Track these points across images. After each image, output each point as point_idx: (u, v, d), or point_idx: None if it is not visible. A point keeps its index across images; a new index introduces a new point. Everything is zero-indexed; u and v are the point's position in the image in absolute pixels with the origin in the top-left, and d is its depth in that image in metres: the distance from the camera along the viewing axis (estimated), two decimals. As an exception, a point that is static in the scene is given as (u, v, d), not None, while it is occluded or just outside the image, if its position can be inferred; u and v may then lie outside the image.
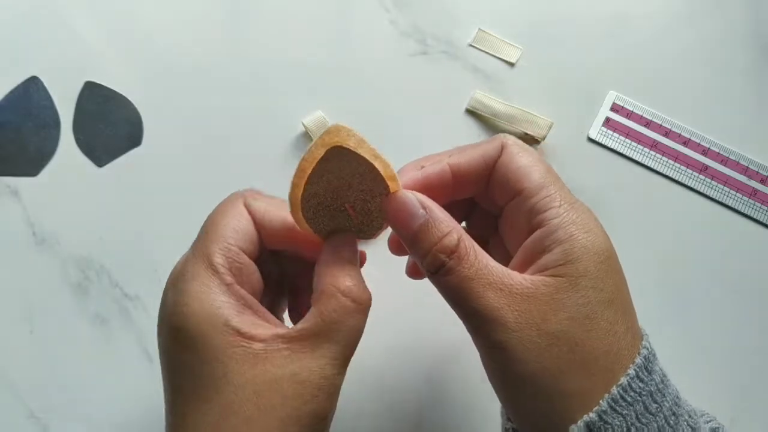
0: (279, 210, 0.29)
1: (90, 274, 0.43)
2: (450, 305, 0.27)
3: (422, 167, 0.29)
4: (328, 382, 0.26)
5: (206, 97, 0.45)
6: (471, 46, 0.47)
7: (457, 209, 0.31)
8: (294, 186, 0.28)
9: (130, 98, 0.45)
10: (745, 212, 0.44)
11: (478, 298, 0.25)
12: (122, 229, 0.43)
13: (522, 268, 0.27)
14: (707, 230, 0.44)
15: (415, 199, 0.27)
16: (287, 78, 0.46)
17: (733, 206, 0.44)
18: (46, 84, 0.45)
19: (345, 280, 0.27)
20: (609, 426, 0.24)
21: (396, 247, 0.33)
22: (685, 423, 0.25)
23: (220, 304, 0.26)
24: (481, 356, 0.27)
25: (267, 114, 0.45)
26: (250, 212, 0.29)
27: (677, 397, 0.26)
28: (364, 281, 0.28)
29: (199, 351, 0.25)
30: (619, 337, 0.25)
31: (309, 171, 0.27)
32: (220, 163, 0.44)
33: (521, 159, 0.28)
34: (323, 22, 0.47)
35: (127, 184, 0.44)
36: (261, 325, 0.26)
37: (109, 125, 0.45)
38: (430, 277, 0.27)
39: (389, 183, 0.28)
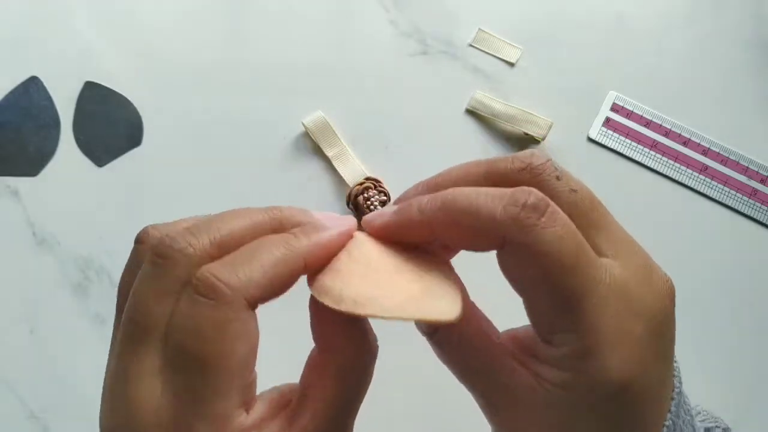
0: (277, 253, 0.20)
1: (90, 274, 0.43)
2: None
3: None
4: None
5: (206, 97, 0.45)
6: (471, 46, 0.47)
7: None
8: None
9: (130, 98, 0.45)
10: (745, 212, 0.44)
11: (471, 379, 0.22)
12: (122, 229, 0.43)
13: (524, 348, 0.22)
14: (707, 230, 0.44)
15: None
16: (287, 78, 0.46)
17: (733, 206, 0.44)
18: (46, 84, 0.45)
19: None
20: None
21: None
22: None
23: None
24: None
25: (267, 114, 0.45)
26: (253, 303, 0.19)
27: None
28: None
29: None
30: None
31: None
32: (220, 163, 0.44)
33: (529, 269, 0.20)
34: (323, 23, 0.47)
35: (127, 184, 0.44)
36: None
37: (109, 125, 0.45)
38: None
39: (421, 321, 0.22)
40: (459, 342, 0.21)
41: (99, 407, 0.23)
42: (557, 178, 0.21)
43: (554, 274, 0.19)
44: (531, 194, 0.20)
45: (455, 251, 0.25)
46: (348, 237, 0.22)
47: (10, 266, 0.43)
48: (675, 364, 0.22)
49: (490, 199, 0.20)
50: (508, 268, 0.21)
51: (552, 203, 0.20)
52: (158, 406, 0.19)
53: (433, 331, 0.22)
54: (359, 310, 0.19)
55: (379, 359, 0.22)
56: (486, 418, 0.22)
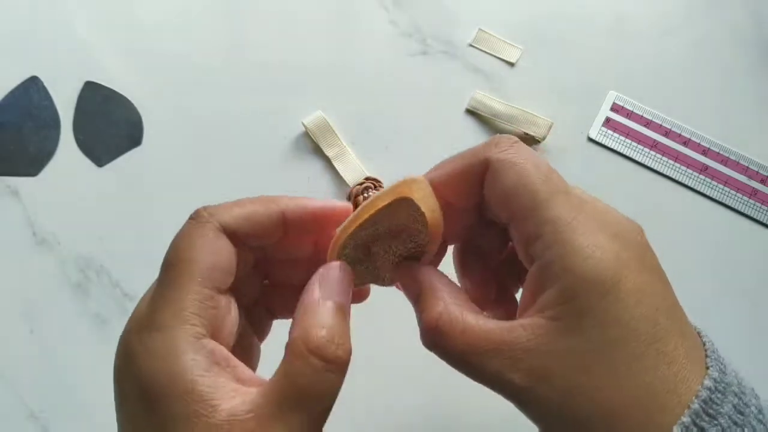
0: (259, 207, 0.26)
1: (90, 274, 0.43)
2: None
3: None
4: None
5: (206, 97, 0.45)
6: (471, 46, 0.47)
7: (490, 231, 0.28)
8: (344, 228, 0.26)
9: (130, 98, 0.45)
10: (745, 212, 0.44)
11: (480, 368, 0.23)
12: (122, 229, 0.43)
13: (525, 311, 0.24)
14: (707, 230, 0.44)
15: (409, 274, 0.26)
16: (287, 78, 0.46)
17: (733, 206, 0.44)
18: (46, 84, 0.45)
19: (317, 333, 0.23)
20: None
21: None
22: None
23: (188, 364, 0.23)
24: None
25: (267, 114, 0.45)
26: (231, 230, 0.25)
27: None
28: (345, 329, 0.24)
29: (158, 418, 0.22)
30: (650, 373, 0.21)
31: (366, 216, 0.25)
32: (220, 163, 0.44)
33: (507, 178, 0.23)
34: (323, 23, 0.47)
35: (127, 184, 0.44)
36: (229, 390, 0.23)
37: (109, 125, 0.45)
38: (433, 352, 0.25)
39: (431, 237, 0.26)
40: (461, 350, 0.23)
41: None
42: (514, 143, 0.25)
43: (531, 179, 0.23)
44: (502, 135, 0.24)
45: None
46: (332, 210, 0.26)
47: (10, 266, 0.43)
48: (705, 339, 0.23)
49: (469, 150, 0.25)
50: (492, 190, 0.24)
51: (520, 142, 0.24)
52: (143, 303, 0.24)
53: (429, 346, 0.24)
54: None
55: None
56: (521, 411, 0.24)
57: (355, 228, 0.25)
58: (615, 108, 0.45)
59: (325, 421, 0.23)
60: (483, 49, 0.46)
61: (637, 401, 0.21)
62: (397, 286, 0.28)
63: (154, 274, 0.37)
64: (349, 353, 0.23)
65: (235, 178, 0.44)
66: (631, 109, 0.45)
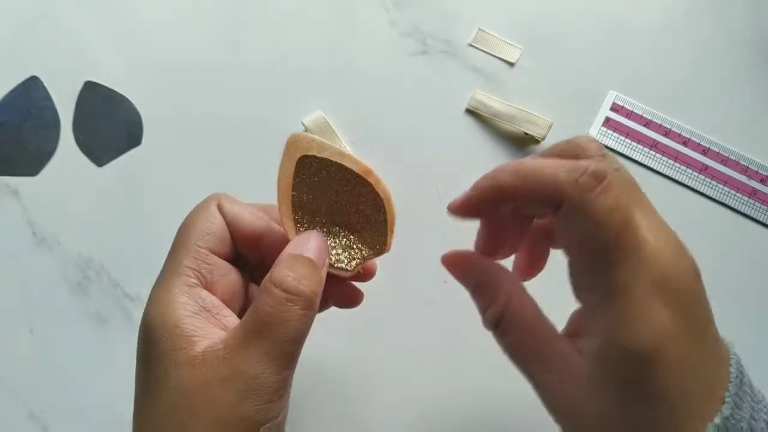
0: (250, 215, 0.29)
1: (90, 274, 0.43)
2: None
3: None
4: (258, 381, 0.24)
5: (206, 97, 0.45)
6: (471, 46, 0.47)
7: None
8: (281, 212, 0.28)
9: (130, 98, 0.45)
10: (745, 212, 0.44)
11: (526, 363, 0.24)
12: (122, 229, 0.43)
13: (571, 332, 0.25)
14: (707, 230, 0.44)
15: (472, 258, 0.26)
16: (287, 78, 0.46)
17: (732, 206, 0.44)
18: (46, 84, 0.45)
19: (283, 272, 0.25)
20: None
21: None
22: None
23: (176, 305, 0.26)
24: None
25: (267, 114, 0.45)
26: (222, 213, 0.29)
27: None
28: (311, 275, 0.26)
29: (151, 352, 0.26)
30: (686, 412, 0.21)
31: (288, 189, 0.28)
32: (220, 163, 0.44)
33: (582, 226, 0.22)
34: (323, 23, 0.47)
35: (127, 184, 0.44)
36: (212, 331, 0.26)
37: (109, 125, 0.45)
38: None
39: (366, 178, 0.28)
40: (520, 332, 0.24)
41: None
42: (603, 156, 0.23)
43: (601, 237, 0.22)
44: (591, 164, 0.22)
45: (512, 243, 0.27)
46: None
47: (10, 266, 0.43)
48: (732, 360, 0.23)
49: (555, 165, 0.23)
50: (562, 229, 0.23)
51: (610, 175, 0.22)
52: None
53: (497, 322, 0.25)
54: None
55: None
56: (542, 401, 0.24)
57: (293, 209, 0.28)
58: (615, 108, 0.45)
59: (293, 357, 0.25)
60: (483, 49, 0.46)
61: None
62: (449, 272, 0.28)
63: (154, 274, 0.38)
64: (314, 292, 0.26)
65: (235, 178, 0.44)
66: (631, 109, 0.45)
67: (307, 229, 0.29)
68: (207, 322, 0.26)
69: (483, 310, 0.26)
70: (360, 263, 0.29)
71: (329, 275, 0.28)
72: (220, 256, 0.28)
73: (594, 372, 0.22)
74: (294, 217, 0.29)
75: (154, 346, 0.26)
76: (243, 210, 0.29)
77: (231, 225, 0.29)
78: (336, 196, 0.29)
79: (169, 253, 0.28)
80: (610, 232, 0.22)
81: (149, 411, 0.25)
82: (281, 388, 0.25)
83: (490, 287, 0.25)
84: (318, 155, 0.28)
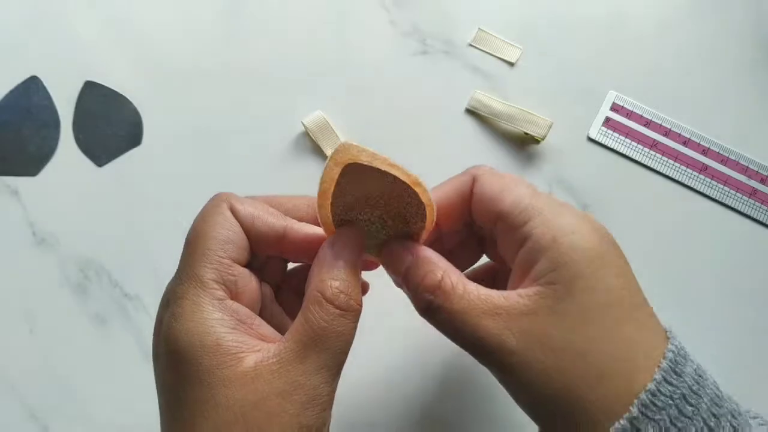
0: (268, 216, 0.29)
1: (90, 274, 0.43)
2: (454, 342, 0.27)
3: None
4: (316, 392, 0.25)
5: (206, 97, 0.45)
6: (471, 46, 0.47)
7: (468, 247, 0.32)
8: (320, 207, 0.27)
9: (130, 98, 0.45)
10: (745, 212, 0.44)
11: (475, 328, 0.25)
12: (122, 229, 0.43)
13: (518, 285, 0.26)
14: (707, 230, 0.44)
15: (403, 247, 0.28)
16: (287, 78, 0.46)
17: (732, 206, 0.44)
18: (46, 84, 0.45)
19: (332, 284, 0.26)
20: None
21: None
22: (728, 424, 0.24)
23: (212, 322, 0.25)
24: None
25: (267, 114, 0.45)
26: (237, 218, 0.28)
27: (717, 396, 0.25)
28: (356, 283, 0.26)
29: (190, 373, 0.25)
30: (632, 337, 0.24)
31: (330, 191, 0.27)
32: (220, 163, 0.44)
33: (493, 185, 0.28)
34: (323, 22, 0.47)
35: (127, 184, 0.44)
36: (253, 344, 0.25)
37: (109, 125, 0.45)
38: (426, 318, 0.27)
39: (415, 188, 0.27)
40: (449, 317, 0.26)
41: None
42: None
43: (516, 181, 0.28)
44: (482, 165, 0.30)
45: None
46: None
47: (10, 266, 0.43)
48: (671, 339, 0.26)
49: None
50: (481, 196, 0.28)
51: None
52: (170, 283, 0.27)
53: (427, 308, 0.26)
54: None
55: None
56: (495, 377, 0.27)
57: (331, 207, 0.28)
58: (615, 108, 0.45)
59: (342, 365, 0.26)
60: (483, 48, 0.46)
61: (622, 363, 0.24)
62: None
63: (154, 274, 0.38)
64: (360, 304, 0.26)
65: (235, 178, 0.44)
66: (631, 108, 0.45)
67: (342, 222, 0.28)
68: (246, 336, 0.26)
69: (415, 288, 0.27)
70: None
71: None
72: (240, 264, 0.28)
73: (544, 283, 0.25)
74: (334, 218, 0.28)
75: (194, 366, 0.24)
76: (258, 210, 0.28)
77: (248, 228, 0.28)
78: (378, 199, 0.28)
79: (185, 261, 0.27)
80: (520, 180, 0.28)
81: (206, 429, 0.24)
82: (332, 397, 0.26)
83: (425, 262, 0.27)
84: (366, 163, 0.27)
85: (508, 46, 0.46)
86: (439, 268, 0.27)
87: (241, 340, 0.25)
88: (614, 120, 0.45)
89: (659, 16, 0.47)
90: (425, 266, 0.27)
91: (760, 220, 0.44)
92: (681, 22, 0.47)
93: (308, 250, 0.28)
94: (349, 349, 0.26)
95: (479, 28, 0.47)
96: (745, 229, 0.44)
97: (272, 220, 0.28)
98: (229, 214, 0.28)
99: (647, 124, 0.45)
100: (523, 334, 0.24)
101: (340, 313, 0.25)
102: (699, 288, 0.43)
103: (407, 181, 0.27)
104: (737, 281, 0.43)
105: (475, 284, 0.26)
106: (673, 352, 0.24)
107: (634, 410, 0.23)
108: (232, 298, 0.27)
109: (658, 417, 0.23)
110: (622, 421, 0.23)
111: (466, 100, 0.45)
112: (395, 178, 0.27)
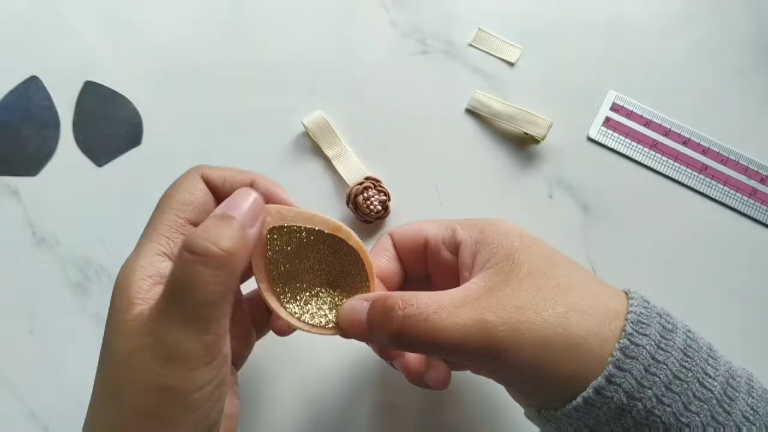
0: (237, 174, 0.30)
1: (90, 274, 0.43)
2: (439, 353, 0.28)
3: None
4: (178, 349, 0.23)
5: (206, 97, 0.45)
6: (471, 45, 0.47)
7: None
8: (262, 290, 0.29)
9: (130, 98, 0.45)
10: (745, 212, 0.44)
11: (454, 323, 0.25)
12: (122, 229, 0.43)
13: (467, 279, 0.28)
14: (707, 230, 0.44)
15: (354, 301, 0.28)
16: (287, 78, 0.46)
17: (732, 206, 0.44)
18: (46, 84, 0.45)
19: (197, 233, 0.24)
20: (617, 387, 0.24)
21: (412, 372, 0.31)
22: (704, 361, 0.26)
23: (137, 267, 0.26)
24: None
25: (267, 114, 0.45)
26: (208, 182, 0.29)
27: (688, 347, 0.26)
28: (227, 233, 0.24)
29: (109, 311, 0.26)
30: (579, 292, 0.26)
31: (264, 267, 0.28)
32: (219, 163, 0.44)
33: (409, 227, 0.32)
34: (323, 22, 0.47)
35: (127, 184, 0.44)
36: (155, 294, 0.25)
37: (109, 125, 0.45)
38: (403, 344, 0.27)
39: (337, 234, 0.28)
40: (425, 325, 0.26)
41: None
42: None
43: (425, 223, 0.33)
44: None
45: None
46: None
47: (10, 266, 0.43)
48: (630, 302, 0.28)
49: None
50: (406, 247, 0.32)
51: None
52: None
53: (400, 328, 0.27)
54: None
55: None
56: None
57: (263, 272, 0.29)
58: (615, 108, 0.45)
59: (210, 321, 0.24)
60: (483, 48, 0.46)
61: (595, 309, 0.26)
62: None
63: (154, 274, 0.37)
64: (226, 251, 0.24)
65: (235, 178, 0.44)
66: (631, 108, 0.45)
67: (290, 299, 0.29)
68: (156, 289, 0.25)
69: (381, 322, 0.27)
70: None
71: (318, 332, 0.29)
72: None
73: (491, 266, 0.27)
74: (275, 290, 0.29)
75: (111, 304, 0.26)
76: (229, 172, 0.30)
77: (218, 188, 0.29)
78: (312, 258, 0.29)
79: (148, 221, 0.28)
80: (441, 222, 0.32)
81: (99, 374, 0.26)
82: (206, 356, 0.24)
83: (380, 297, 0.27)
84: (285, 225, 0.28)
85: (508, 46, 0.46)
86: (394, 293, 0.27)
87: (144, 288, 0.25)
88: (614, 120, 0.45)
89: (659, 17, 0.47)
90: (382, 298, 0.27)
91: (760, 220, 0.44)
92: (681, 22, 0.47)
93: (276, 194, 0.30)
94: (215, 302, 0.24)
95: (479, 28, 0.47)
96: (745, 229, 0.44)
97: (241, 176, 0.30)
98: (197, 179, 0.29)
99: (647, 124, 0.45)
100: (499, 308, 0.26)
101: (194, 258, 0.23)
102: (699, 288, 0.43)
103: (327, 229, 0.28)
104: (737, 281, 0.43)
105: (434, 292, 0.27)
106: (635, 313, 0.26)
107: (602, 380, 0.25)
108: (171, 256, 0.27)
109: (622, 380, 0.25)
110: (598, 381, 0.25)
111: (466, 100, 0.45)
112: (318, 233, 0.28)
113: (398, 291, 0.29)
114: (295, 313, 0.29)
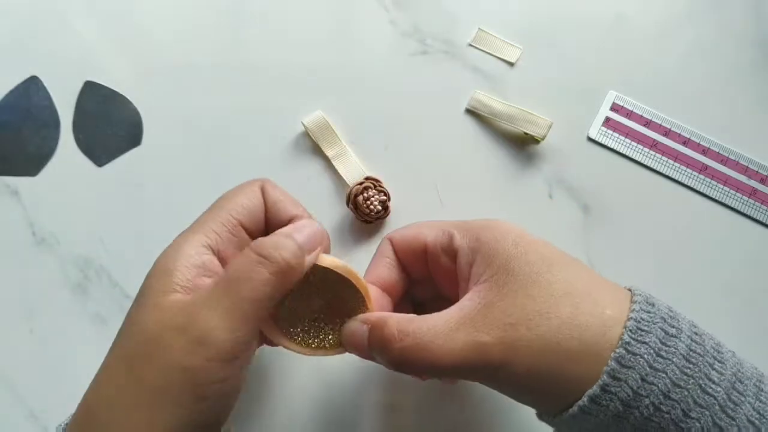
0: (288, 203, 0.30)
1: (90, 274, 0.43)
2: (441, 375, 0.29)
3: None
4: (209, 334, 0.24)
5: (206, 97, 0.45)
6: (471, 45, 0.47)
7: (438, 298, 0.33)
8: (263, 328, 0.29)
9: (130, 98, 0.45)
10: (745, 212, 0.44)
11: (451, 350, 0.26)
12: (122, 229, 0.43)
13: (463, 293, 0.28)
14: (707, 230, 0.44)
15: (354, 323, 0.29)
16: (287, 78, 0.46)
17: (732, 206, 0.44)
18: (46, 84, 0.45)
19: (266, 240, 0.27)
20: (613, 396, 0.24)
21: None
22: (711, 355, 0.26)
23: (179, 255, 0.27)
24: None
25: (267, 114, 0.45)
26: (264, 197, 0.30)
27: (694, 336, 0.26)
28: (294, 251, 0.27)
29: (142, 288, 0.27)
30: (575, 300, 0.26)
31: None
32: (219, 163, 0.44)
33: (409, 229, 0.32)
34: (323, 22, 0.47)
35: (127, 184, 0.44)
36: (194, 286, 0.26)
37: (109, 125, 0.45)
38: (404, 368, 0.27)
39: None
40: (422, 354, 0.26)
41: None
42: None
43: (425, 225, 0.32)
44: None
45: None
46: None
47: (10, 266, 0.43)
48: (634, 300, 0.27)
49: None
50: (406, 250, 0.32)
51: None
52: None
53: (400, 356, 0.27)
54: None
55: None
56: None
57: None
58: (615, 108, 0.45)
59: (248, 319, 0.25)
60: (483, 48, 0.46)
61: (591, 318, 0.26)
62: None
63: (154, 274, 0.37)
64: (286, 261, 0.26)
65: (234, 178, 0.44)
66: (631, 108, 0.45)
67: (292, 331, 0.30)
68: (198, 280, 0.26)
69: (383, 341, 0.27)
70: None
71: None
72: (248, 233, 0.29)
73: (486, 279, 0.27)
74: (278, 326, 0.30)
75: (148, 284, 0.26)
76: (284, 197, 0.30)
77: (269, 208, 0.30)
78: (305, 289, 0.29)
79: (200, 216, 0.29)
80: (436, 225, 0.32)
81: (118, 349, 0.26)
82: (232, 351, 0.25)
83: (379, 322, 0.28)
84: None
85: (508, 46, 0.46)
86: (393, 318, 0.27)
87: (188, 277, 0.26)
88: (614, 120, 0.45)
89: (659, 16, 0.47)
90: (379, 325, 0.27)
91: (760, 220, 0.44)
92: (681, 22, 0.47)
93: None
94: (261, 300, 0.25)
95: (479, 28, 0.47)
96: (745, 229, 0.44)
97: (290, 207, 0.30)
98: (256, 189, 0.30)
99: (647, 124, 0.45)
100: (494, 326, 0.25)
101: (257, 259, 0.26)
102: (699, 288, 0.43)
103: (351, 280, 0.29)
104: (737, 281, 0.43)
105: (430, 315, 0.27)
106: (636, 311, 0.26)
107: (625, 335, 0.25)
108: (218, 256, 0.28)
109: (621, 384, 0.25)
110: (596, 386, 0.24)
111: (466, 100, 0.45)
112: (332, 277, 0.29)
113: (403, 301, 0.29)
114: (298, 341, 0.30)
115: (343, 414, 0.40)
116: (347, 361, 0.41)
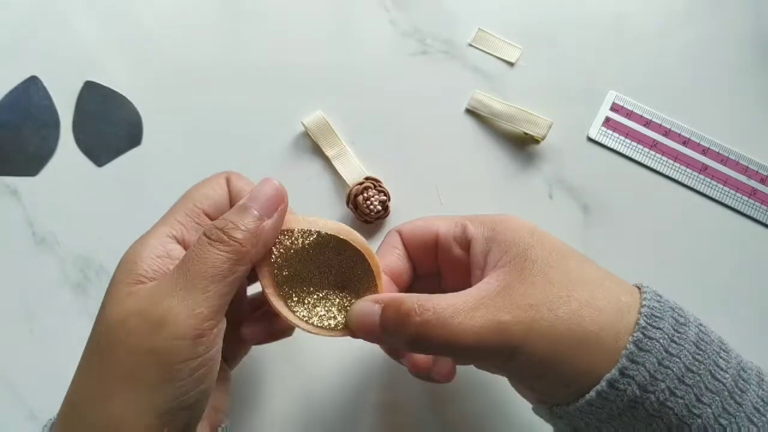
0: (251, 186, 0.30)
1: (90, 274, 0.43)
2: (456, 356, 0.28)
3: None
4: (171, 314, 0.25)
5: (206, 97, 0.45)
6: (471, 45, 0.47)
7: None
8: (268, 295, 0.29)
9: (130, 98, 0.45)
10: (745, 212, 0.44)
11: (470, 326, 0.25)
12: (122, 229, 0.43)
13: (479, 279, 0.28)
14: (707, 230, 0.44)
15: (365, 302, 0.29)
16: (287, 78, 0.46)
17: (732, 206, 0.44)
18: (46, 84, 0.45)
19: (215, 223, 0.27)
20: (630, 380, 0.25)
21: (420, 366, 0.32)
22: (716, 353, 0.26)
23: (145, 246, 0.27)
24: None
25: (267, 114, 0.45)
26: (229, 187, 0.30)
27: (701, 341, 0.26)
28: (245, 224, 0.27)
29: (110, 282, 0.27)
30: (592, 287, 0.26)
31: (269, 272, 0.29)
32: (219, 163, 0.44)
33: (418, 222, 0.32)
34: (323, 22, 0.47)
35: (127, 184, 0.44)
36: (159, 273, 0.27)
37: (109, 125, 0.45)
38: (419, 347, 0.27)
39: (340, 236, 0.29)
40: (442, 329, 0.26)
41: None
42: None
43: (435, 218, 0.33)
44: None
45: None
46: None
47: (10, 266, 0.43)
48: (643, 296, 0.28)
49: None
50: (415, 242, 0.32)
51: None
52: None
53: (417, 333, 0.27)
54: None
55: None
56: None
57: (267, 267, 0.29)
58: (615, 108, 0.45)
59: (208, 296, 0.25)
60: (483, 48, 0.46)
61: (608, 303, 0.26)
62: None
63: (154, 273, 0.37)
64: (239, 240, 0.26)
65: (235, 178, 0.44)
66: (630, 108, 0.45)
67: (297, 302, 0.30)
68: (163, 268, 0.27)
69: (397, 327, 0.27)
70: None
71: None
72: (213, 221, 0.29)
73: (503, 264, 0.28)
74: (281, 294, 0.29)
75: (114, 277, 0.27)
76: (248, 185, 0.31)
77: (235, 198, 0.30)
78: (317, 261, 0.29)
79: (170, 208, 0.30)
80: (449, 218, 0.32)
81: (89, 343, 0.27)
82: (195, 330, 0.25)
83: (394, 300, 0.27)
84: (285, 229, 0.29)
85: (508, 46, 0.46)
86: (409, 295, 0.27)
87: (153, 268, 0.27)
88: (614, 120, 0.45)
89: (659, 17, 0.47)
90: (396, 301, 0.27)
91: (760, 220, 0.44)
92: (681, 22, 0.47)
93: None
94: (217, 277, 0.26)
95: (479, 28, 0.47)
96: (745, 229, 0.44)
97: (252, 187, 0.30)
98: (221, 180, 0.31)
99: (647, 124, 0.45)
100: (513, 306, 0.26)
101: (209, 241, 0.26)
102: (699, 288, 0.43)
103: (330, 231, 0.29)
104: (737, 281, 0.43)
105: (447, 294, 0.27)
106: (647, 307, 0.26)
107: (641, 320, 0.25)
108: (185, 246, 0.28)
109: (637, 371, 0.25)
110: (613, 372, 0.25)
111: (466, 100, 0.45)
112: (319, 236, 0.29)
113: (409, 292, 0.29)
114: (303, 316, 0.30)
115: (343, 414, 0.40)
116: (347, 361, 0.41)
